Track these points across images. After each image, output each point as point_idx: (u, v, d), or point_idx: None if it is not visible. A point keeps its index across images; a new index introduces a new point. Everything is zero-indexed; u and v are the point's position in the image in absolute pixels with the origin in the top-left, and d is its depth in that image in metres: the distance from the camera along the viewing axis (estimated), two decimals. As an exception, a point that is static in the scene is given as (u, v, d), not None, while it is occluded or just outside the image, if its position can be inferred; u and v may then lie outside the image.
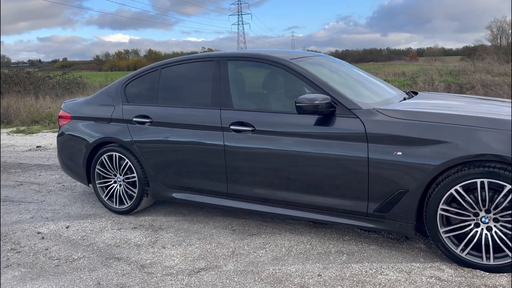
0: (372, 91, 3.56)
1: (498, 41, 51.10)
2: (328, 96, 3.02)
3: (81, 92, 16.63)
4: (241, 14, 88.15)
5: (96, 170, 4.16)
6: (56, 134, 9.89)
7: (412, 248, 3.11)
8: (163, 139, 3.75)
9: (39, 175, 5.87)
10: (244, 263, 3.00)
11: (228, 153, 3.42)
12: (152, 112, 3.83)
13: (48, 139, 8.90)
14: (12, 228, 3.87)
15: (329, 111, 3.02)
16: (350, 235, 3.38)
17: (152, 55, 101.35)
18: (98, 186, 4.20)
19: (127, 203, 4.06)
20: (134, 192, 3.99)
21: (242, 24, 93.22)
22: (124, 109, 3.99)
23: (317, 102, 2.96)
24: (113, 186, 4.13)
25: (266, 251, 3.17)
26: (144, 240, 3.50)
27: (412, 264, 2.86)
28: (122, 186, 4.08)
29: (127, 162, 3.96)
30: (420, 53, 66.04)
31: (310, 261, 2.98)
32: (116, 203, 4.12)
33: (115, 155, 4.02)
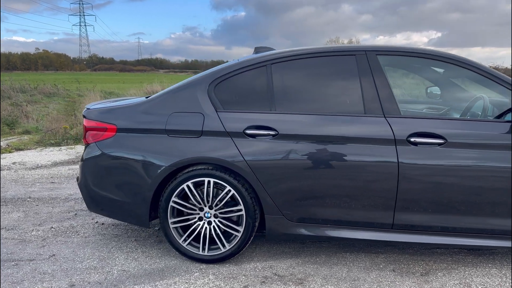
0: None
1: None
2: None
3: None
4: (84, 15, 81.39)
5: (171, 203, 2.92)
6: None
7: None
8: (297, 158, 2.77)
9: (-14, 214, 4.03)
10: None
11: (404, 173, 2.68)
12: (276, 122, 2.82)
13: None
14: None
15: None
16: (529, 260, 2.98)
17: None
18: (172, 226, 2.95)
19: (223, 246, 2.92)
20: (238, 231, 2.90)
21: (85, 26, 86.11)
22: (224, 118, 2.87)
23: None
24: (198, 224, 2.95)
25: (484, 294, 2.55)
26: (305, 299, 2.51)
27: None
28: (213, 223, 2.93)
29: (229, 190, 2.85)
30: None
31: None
32: (204, 248, 2.94)
33: (208, 181, 2.86)
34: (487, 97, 3.00)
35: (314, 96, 2.95)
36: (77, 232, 3.58)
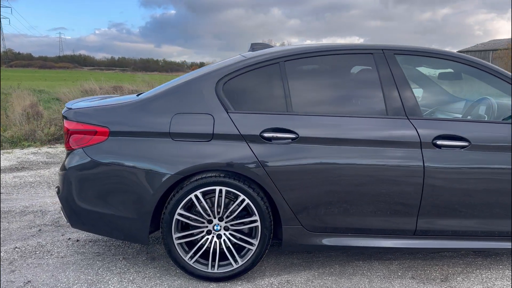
0: None
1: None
2: None
3: None
4: (-2, 7, 74.82)
5: (176, 216, 2.58)
6: None
7: None
8: (320, 162, 2.56)
9: None
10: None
11: (429, 177, 2.58)
12: (295, 124, 2.59)
13: None
14: None
15: None
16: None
17: None
18: (176, 241, 2.61)
19: (236, 262, 2.64)
20: (252, 244, 2.63)
21: (-1, 18, 79.11)
22: (236, 120, 2.59)
23: None
24: (207, 239, 2.64)
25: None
26: (340, 316, 2.31)
27: None
28: (223, 237, 2.64)
29: (243, 200, 2.57)
30: (201, 67, 69.66)
31: None
32: (213, 265, 2.64)
33: (220, 189, 2.56)
34: (492, 99, 3.01)
35: (332, 96, 2.77)
36: (49, 251, 3.08)
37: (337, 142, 2.58)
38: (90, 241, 3.26)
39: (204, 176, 2.57)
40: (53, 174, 5.40)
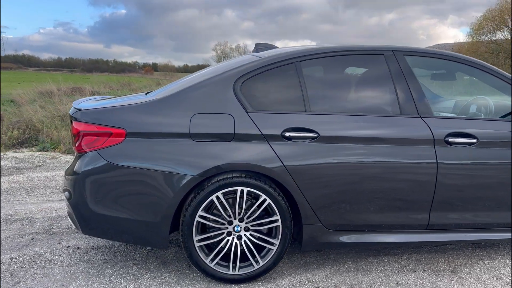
0: None
1: (222, 61, 59.37)
2: None
3: None
4: None
5: (197, 218, 2.52)
6: None
7: None
8: (340, 161, 2.60)
9: None
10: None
11: (442, 173, 2.68)
12: (315, 124, 2.60)
13: None
14: None
15: None
16: (529, 248, 3.22)
17: None
18: (197, 244, 2.56)
19: (257, 263, 2.62)
20: (273, 244, 2.63)
21: None
22: (257, 120, 2.57)
23: None
24: (227, 240, 2.60)
25: (522, 284, 2.66)
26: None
27: None
28: (244, 238, 2.61)
29: (264, 200, 2.56)
30: (154, 68, 68.27)
31: None
32: (234, 267, 2.61)
33: (241, 190, 2.54)
34: (489, 98, 3.18)
35: (347, 95, 2.82)
36: (50, 261, 2.91)
37: (356, 141, 2.62)
38: (92, 248, 3.11)
39: (225, 176, 2.53)
40: (28, 179, 5.12)
